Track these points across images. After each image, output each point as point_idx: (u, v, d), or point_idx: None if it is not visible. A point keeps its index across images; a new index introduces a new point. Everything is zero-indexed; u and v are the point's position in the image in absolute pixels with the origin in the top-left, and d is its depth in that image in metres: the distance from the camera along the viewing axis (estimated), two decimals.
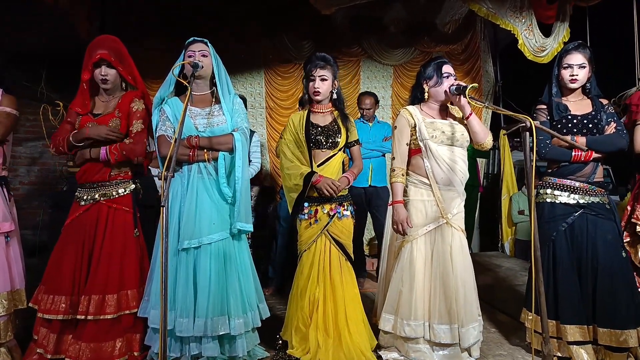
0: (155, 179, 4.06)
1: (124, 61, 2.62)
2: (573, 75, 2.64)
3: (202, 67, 2.49)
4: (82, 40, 4.00)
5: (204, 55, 2.54)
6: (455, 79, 2.66)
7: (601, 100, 2.71)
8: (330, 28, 5.71)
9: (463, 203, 2.69)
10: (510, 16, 4.50)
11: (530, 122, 2.00)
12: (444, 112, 2.73)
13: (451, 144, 2.63)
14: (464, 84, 2.52)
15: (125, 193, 2.62)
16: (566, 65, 2.65)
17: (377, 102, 4.45)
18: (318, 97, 2.68)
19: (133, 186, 2.66)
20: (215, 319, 2.43)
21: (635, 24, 4.00)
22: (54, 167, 5.42)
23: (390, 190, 2.75)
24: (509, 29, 4.54)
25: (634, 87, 3.06)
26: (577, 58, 2.63)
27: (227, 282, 2.50)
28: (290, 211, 2.79)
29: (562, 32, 4.55)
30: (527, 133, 2.04)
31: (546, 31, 4.61)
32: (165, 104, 2.57)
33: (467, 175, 2.68)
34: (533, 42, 4.53)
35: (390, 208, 3.00)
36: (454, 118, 2.72)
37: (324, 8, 4.32)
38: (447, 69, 2.64)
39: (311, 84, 2.67)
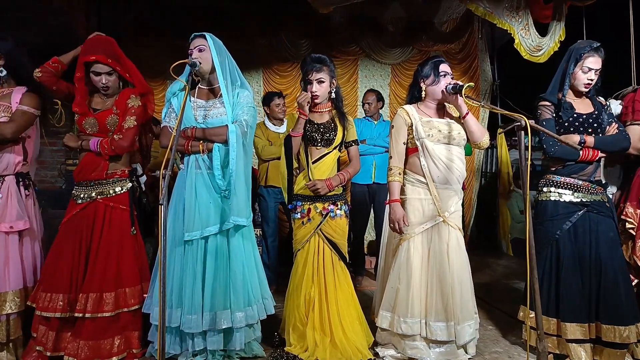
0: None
1: (119, 60, 2.61)
2: (590, 80, 2.63)
3: (200, 64, 2.48)
4: (79, 38, 4.00)
5: (200, 50, 2.53)
6: (452, 78, 2.67)
7: (600, 100, 2.73)
8: (328, 27, 5.72)
9: (460, 202, 2.71)
10: (507, 15, 4.50)
11: (525, 121, 2.01)
12: (441, 111, 2.75)
13: (448, 142, 2.64)
14: (460, 83, 2.54)
15: (122, 191, 2.63)
16: (587, 68, 2.61)
17: (380, 99, 4.49)
18: (316, 100, 2.69)
19: (130, 184, 2.67)
20: (219, 313, 2.47)
21: (632, 23, 4.01)
22: (52, 165, 5.41)
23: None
24: (505, 28, 4.55)
25: (629, 87, 3.07)
26: (597, 62, 2.61)
27: (230, 275, 2.52)
28: (286, 199, 2.80)
29: (558, 32, 4.55)
30: (523, 132, 2.05)
31: (542, 31, 4.62)
32: (175, 97, 2.60)
33: (464, 174, 2.70)
34: (529, 41, 4.54)
35: (387, 206, 3.02)
36: (451, 117, 2.73)
37: (321, 7, 4.32)
38: (444, 67, 2.65)
39: (308, 87, 2.66)
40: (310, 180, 2.67)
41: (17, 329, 2.56)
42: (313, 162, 2.70)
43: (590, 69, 2.61)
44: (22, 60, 2.72)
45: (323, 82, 2.66)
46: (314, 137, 2.69)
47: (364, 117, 4.53)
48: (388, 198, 2.70)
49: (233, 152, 2.47)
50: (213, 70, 2.57)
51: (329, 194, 2.69)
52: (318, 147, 2.71)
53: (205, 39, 2.55)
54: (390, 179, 2.68)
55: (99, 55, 2.53)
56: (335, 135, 2.70)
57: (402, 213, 2.60)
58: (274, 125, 4.22)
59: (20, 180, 2.65)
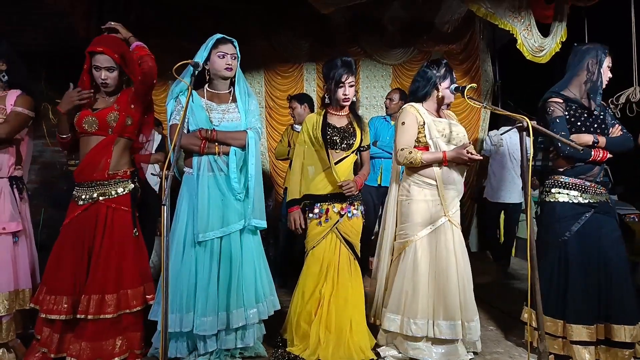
0: (149, 176, 4.07)
1: (125, 58, 2.58)
2: (607, 80, 2.66)
3: (232, 69, 2.60)
4: (81, 39, 4.01)
5: (234, 58, 2.61)
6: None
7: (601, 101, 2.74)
8: (329, 28, 5.72)
9: (459, 200, 2.73)
10: (509, 16, 4.50)
11: (527, 122, 2.01)
12: (441, 112, 2.77)
13: (448, 142, 2.65)
14: (462, 86, 2.56)
15: (124, 192, 2.60)
16: (607, 68, 2.65)
17: (402, 99, 4.44)
18: (348, 103, 2.71)
19: (132, 186, 2.64)
20: (234, 312, 2.50)
21: (633, 23, 4.01)
22: (54, 165, 5.43)
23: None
24: (507, 29, 4.55)
25: (630, 88, 3.08)
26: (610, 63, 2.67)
27: (243, 273, 2.56)
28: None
29: (560, 32, 4.55)
30: (524, 132, 2.05)
31: (544, 31, 4.62)
32: (183, 95, 2.60)
33: (464, 174, 2.71)
34: (532, 42, 4.54)
35: (386, 206, 3.01)
36: (450, 118, 2.76)
37: (322, 8, 4.33)
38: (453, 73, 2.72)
39: (341, 90, 2.67)
40: (339, 180, 2.65)
41: (9, 331, 2.53)
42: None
43: (608, 68, 2.66)
44: (18, 64, 2.73)
45: (353, 85, 2.70)
46: (334, 140, 2.70)
47: (382, 116, 4.55)
48: (437, 166, 2.61)
49: (252, 157, 2.57)
50: (233, 76, 2.67)
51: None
52: (337, 151, 2.72)
53: (235, 47, 2.62)
54: (416, 157, 2.58)
55: (105, 48, 2.51)
56: (355, 140, 2.73)
57: (456, 151, 2.53)
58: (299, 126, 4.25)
59: (14, 183, 2.65)
